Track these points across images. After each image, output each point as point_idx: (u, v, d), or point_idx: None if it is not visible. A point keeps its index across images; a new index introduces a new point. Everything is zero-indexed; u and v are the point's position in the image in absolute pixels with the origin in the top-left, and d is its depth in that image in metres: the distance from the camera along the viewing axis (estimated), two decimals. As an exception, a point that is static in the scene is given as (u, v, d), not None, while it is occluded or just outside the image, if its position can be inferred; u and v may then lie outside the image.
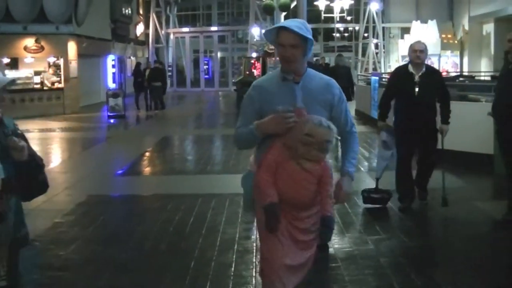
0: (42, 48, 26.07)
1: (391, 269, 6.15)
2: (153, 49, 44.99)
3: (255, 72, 26.77)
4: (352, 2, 40.92)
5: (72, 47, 27.19)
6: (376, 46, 41.07)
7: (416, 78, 8.15)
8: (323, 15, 42.70)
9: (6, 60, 25.75)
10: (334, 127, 3.74)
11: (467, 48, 28.50)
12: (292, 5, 28.83)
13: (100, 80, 33.48)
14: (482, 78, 21.09)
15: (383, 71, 34.18)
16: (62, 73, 26.60)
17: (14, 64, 26.08)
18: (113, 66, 35.30)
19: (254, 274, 5.95)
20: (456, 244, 7.12)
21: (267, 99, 3.93)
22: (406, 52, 8.55)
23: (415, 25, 30.00)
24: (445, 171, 8.70)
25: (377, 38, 40.61)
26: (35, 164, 3.34)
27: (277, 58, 26.32)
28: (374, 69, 38.51)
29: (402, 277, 5.92)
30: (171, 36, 47.02)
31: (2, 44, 25.20)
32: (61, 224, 8.13)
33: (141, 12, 43.75)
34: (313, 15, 41.02)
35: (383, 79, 18.16)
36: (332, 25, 43.82)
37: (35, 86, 25.98)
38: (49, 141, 17.76)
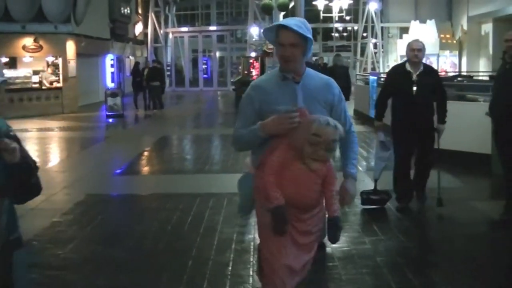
0: (41, 47, 26.06)
1: (388, 268, 6.16)
2: (152, 48, 44.98)
3: (254, 72, 26.80)
4: (351, 1, 40.99)
5: (70, 47, 27.18)
6: (375, 46, 41.16)
7: (414, 77, 8.14)
8: (321, 14, 42.74)
9: (4, 60, 25.72)
10: (340, 126, 3.68)
11: (466, 48, 28.50)
12: (291, 5, 28.84)
13: (98, 79, 33.48)
14: (480, 78, 21.09)
15: (381, 71, 34.22)
16: (60, 72, 26.56)
17: (13, 63, 26.03)
18: (112, 65, 35.30)
19: (251, 273, 5.96)
20: (453, 244, 7.13)
21: (267, 99, 3.86)
22: (404, 52, 8.51)
23: (414, 25, 30.01)
24: (443, 171, 8.74)
25: (375, 38, 40.69)
26: (28, 166, 3.28)
27: (276, 58, 26.35)
28: (373, 68, 38.58)
29: (399, 277, 5.92)
30: (170, 36, 47.01)
31: (1, 44, 25.18)
32: (59, 223, 8.13)
33: (140, 11, 43.74)
34: (312, 14, 41.05)
35: (382, 79, 18.15)
36: (331, 25, 43.92)
37: (34, 85, 25.93)
38: (47, 141, 17.77)
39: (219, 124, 22.39)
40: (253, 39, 40.47)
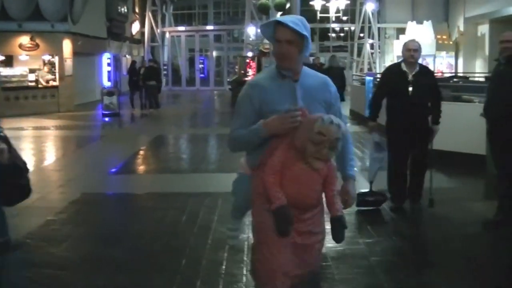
0: (37, 46, 26.05)
1: (381, 268, 6.18)
2: (149, 47, 44.97)
3: (250, 72, 26.81)
4: (348, 2, 40.96)
5: (67, 45, 27.15)
6: (372, 46, 41.10)
7: (410, 77, 8.13)
8: (318, 15, 42.73)
9: (0, 58, 25.69)
10: (344, 124, 3.62)
11: (462, 49, 28.54)
12: (288, 5, 28.84)
13: (95, 78, 33.43)
14: (476, 79, 21.13)
15: (378, 71, 34.21)
16: (57, 71, 26.54)
17: (9, 61, 26.02)
18: (109, 64, 35.18)
19: (245, 273, 5.97)
20: (447, 244, 7.14)
21: (267, 99, 3.75)
22: (401, 53, 8.50)
23: (411, 26, 30.03)
24: (438, 172, 8.74)
25: (372, 38, 40.65)
26: (16, 168, 3.23)
27: (272, 58, 26.40)
28: (369, 69, 38.55)
29: (392, 276, 5.95)
30: (167, 35, 46.99)
31: (-3, 42, 25.19)
32: (53, 222, 8.14)
33: (137, 10, 43.71)
34: (309, 14, 40.99)
35: (378, 79, 18.17)
36: (327, 25, 43.90)
37: (30, 84, 25.90)
38: (43, 139, 17.75)
39: (215, 124, 22.41)
40: (250, 39, 40.46)
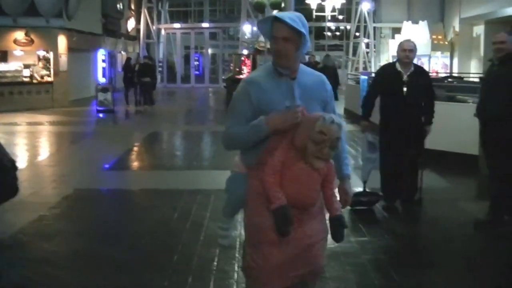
0: (32, 41, 26.03)
1: (372, 266, 6.20)
2: (144, 44, 44.90)
3: (245, 69, 26.79)
4: (344, 1, 40.96)
5: (62, 41, 27.12)
6: (367, 45, 41.17)
7: (405, 77, 8.12)
8: (314, 13, 42.72)
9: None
10: (343, 123, 3.58)
11: (457, 50, 28.56)
12: (283, 4, 28.85)
13: (90, 74, 33.37)
14: (471, 79, 21.16)
15: (373, 70, 34.25)
16: (51, 66, 26.52)
17: (4, 57, 25.95)
18: (104, 60, 35.20)
19: (236, 269, 5.99)
20: (438, 243, 7.18)
21: (264, 96, 3.67)
22: (396, 52, 8.48)
23: (406, 26, 30.05)
24: (431, 171, 8.74)
25: (368, 37, 40.72)
26: (2, 167, 3.20)
27: (267, 56, 26.42)
28: (365, 68, 38.61)
29: (382, 274, 5.97)
30: (162, 32, 46.93)
31: (-8, 37, 25.14)
32: (46, 217, 8.13)
33: (132, 7, 43.63)
34: (305, 13, 40.77)
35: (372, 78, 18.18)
36: (323, 24, 43.92)
37: (24, 79, 25.85)
38: (37, 135, 17.71)
39: (210, 121, 22.40)
40: (246, 37, 40.48)
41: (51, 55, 26.46)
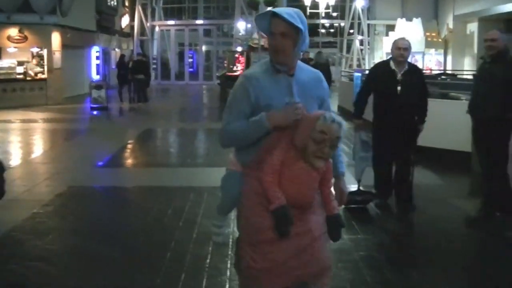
0: (26, 38, 26.00)
1: (364, 263, 6.22)
2: (138, 41, 44.86)
3: (239, 66, 26.80)
4: (338, -2, 41.06)
5: (56, 38, 27.08)
6: (361, 42, 41.21)
7: (399, 76, 8.07)
8: (308, 10, 42.70)
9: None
10: (344, 122, 3.55)
11: (451, 47, 28.67)
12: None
13: (84, 71, 33.36)
14: (464, 76, 21.21)
15: (367, 67, 34.29)
16: (45, 63, 26.49)
17: (-3, 53, 25.95)
18: (98, 57, 35.17)
19: (229, 266, 6.00)
20: (430, 240, 7.21)
21: (263, 93, 3.60)
22: (390, 49, 8.43)
23: (400, 23, 30.14)
24: (424, 169, 8.75)
25: (362, 35, 40.76)
26: None
27: (261, 53, 26.43)
28: (359, 65, 38.64)
29: (374, 271, 5.99)
30: (156, 29, 46.89)
31: (-15, 34, 25.09)
32: (39, 215, 8.12)
33: (126, 4, 43.61)
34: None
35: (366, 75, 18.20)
36: (317, 21, 43.91)
37: (18, 76, 25.83)
38: (31, 132, 17.68)
39: (204, 118, 22.40)
40: (240, 34, 40.48)
41: (45, 52, 26.44)
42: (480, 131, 7.75)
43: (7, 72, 25.50)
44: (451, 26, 28.56)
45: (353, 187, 8.68)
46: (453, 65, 27.34)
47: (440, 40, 29.72)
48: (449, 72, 23.30)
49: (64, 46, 27.93)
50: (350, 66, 39.78)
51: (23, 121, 20.22)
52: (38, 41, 26.31)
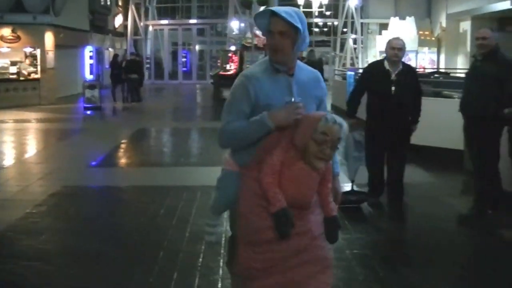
0: (19, 38, 25.94)
1: (357, 261, 6.24)
2: (132, 41, 44.83)
3: (232, 66, 26.82)
4: (331, -3, 41.09)
5: (49, 38, 27.02)
6: (355, 41, 41.26)
7: (393, 76, 8.05)
8: (301, 9, 42.65)
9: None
10: (345, 123, 3.50)
11: (444, 45, 28.69)
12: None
13: (77, 71, 33.28)
14: (457, 75, 21.25)
15: (360, 66, 34.34)
16: (38, 63, 26.44)
17: (-10, 53, 25.90)
18: (91, 57, 35.10)
19: (221, 265, 6.01)
20: (423, 238, 7.24)
21: (262, 92, 3.55)
22: (383, 48, 8.40)
23: (393, 21, 30.16)
24: (417, 167, 8.77)
25: (355, 33, 40.81)
26: None
27: (255, 52, 26.44)
28: (352, 64, 38.70)
29: (366, 269, 6.02)
30: (150, 28, 46.85)
31: (-22, 34, 25.04)
32: (33, 215, 8.12)
33: (120, 3, 43.56)
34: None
35: (359, 74, 18.20)
36: (310, 20, 43.94)
37: (11, 76, 25.81)
38: (24, 132, 17.68)
39: (197, 117, 22.40)
40: (233, 33, 40.48)
41: (38, 52, 26.39)
42: (471, 129, 7.77)
43: (0, 72, 25.50)
44: (444, 24, 28.59)
45: (346, 186, 8.69)
46: (446, 63, 27.37)
47: (433, 38, 29.75)
48: (442, 70, 23.36)
49: (57, 46, 27.87)
50: (344, 65, 39.84)
51: (17, 121, 20.18)
52: (31, 41, 26.26)
